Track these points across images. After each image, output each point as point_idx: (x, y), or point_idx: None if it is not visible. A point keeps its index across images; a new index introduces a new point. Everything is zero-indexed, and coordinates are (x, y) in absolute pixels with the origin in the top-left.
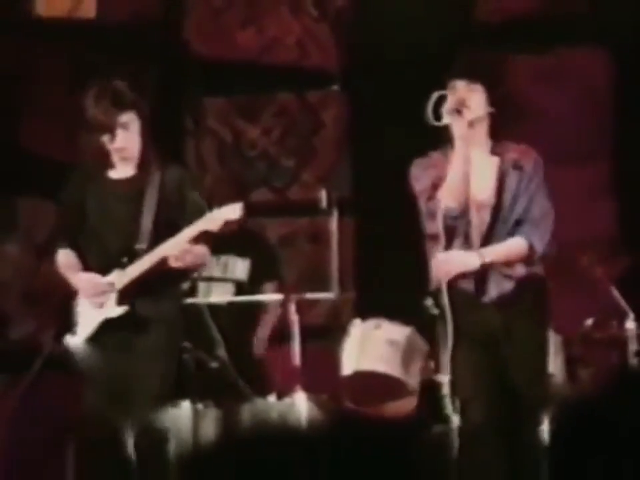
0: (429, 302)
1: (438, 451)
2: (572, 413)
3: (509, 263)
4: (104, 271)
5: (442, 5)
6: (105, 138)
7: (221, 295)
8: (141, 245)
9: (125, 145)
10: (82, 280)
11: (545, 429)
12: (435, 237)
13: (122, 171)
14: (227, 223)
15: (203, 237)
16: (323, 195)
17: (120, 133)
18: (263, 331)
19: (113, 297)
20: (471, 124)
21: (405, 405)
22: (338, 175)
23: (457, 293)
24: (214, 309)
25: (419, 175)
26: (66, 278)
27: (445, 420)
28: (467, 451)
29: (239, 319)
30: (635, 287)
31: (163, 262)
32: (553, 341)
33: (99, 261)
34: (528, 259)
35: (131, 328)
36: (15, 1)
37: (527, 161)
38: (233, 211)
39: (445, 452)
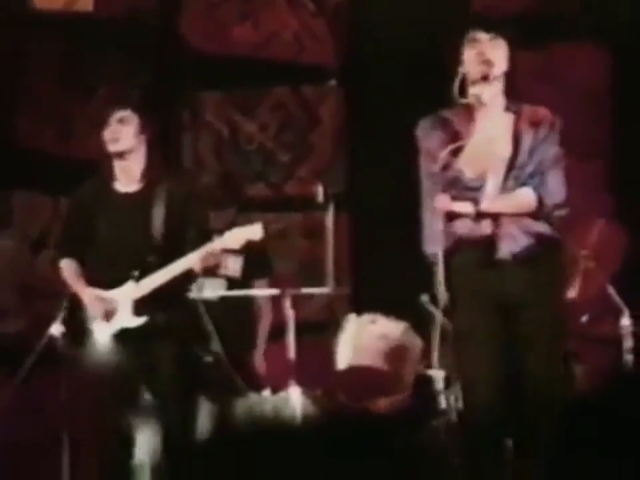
0: (425, 298)
1: (431, 445)
2: (567, 410)
3: (515, 214)
4: (114, 282)
5: (438, 1)
6: (104, 135)
7: (214, 290)
8: (152, 258)
9: (117, 136)
10: (89, 296)
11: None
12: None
13: (126, 183)
14: (248, 242)
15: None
16: (319, 190)
17: (114, 126)
18: (261, 341)
19: (129, 307)
20: (496, 79)
21: (399, 400)
22: (334, 170)
23: (465, 255)
24: (207, 304)
25: (428, 137)
26: (72, 287)
27: (439, 415)
28: (469, 441)
29: (233, 313)
30: (630, 284)
31: (183, 274)
32: None
33: (110, 273)
34: (537, 212)
35: (146, 336)
36: None
37: (543, 119)
38: (254, 232)
39: (439, 447)
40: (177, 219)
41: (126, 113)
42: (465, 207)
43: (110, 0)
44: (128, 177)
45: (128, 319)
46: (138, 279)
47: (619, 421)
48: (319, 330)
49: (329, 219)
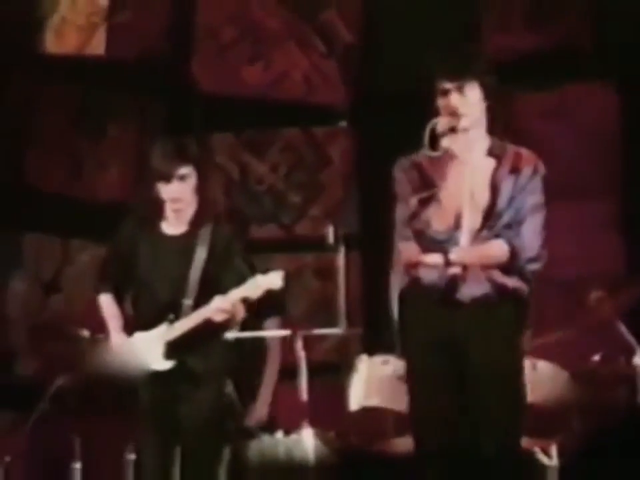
0: None
1: None
2: (582, 450)
3: (485, 266)
4: (152, 322)
5: (449, 42)
6: (161, 187)
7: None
8: (187, 300)
9: (179, 196)
10: (116, 339)
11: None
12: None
13: (175, 226)
14: (267, 291)
15: (244, 300)
16: (330, 230)
17: (176, 184)
18: (264, 397)
19: (161, 350)
20: (466, 130)
21: (412, 442)
22: (345, 210)
23: (422, 293)
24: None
25: (401, 180)
26: (106, 323)
27: None
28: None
29: (245, 355)
30: None
31: (208, 320)
32: (562, 377)
33: (148, 313)
34: (508, 264)
35: (180, 380)
36: (24, 37)
37: (525, 165)
38: (274, 281)
39: None
40: (218, 262)
41: (187, 170)
42: (434, 259)
43: (121, 42)
44: (178, 221)
45: (158, 362)
46: (172, 321)
47: (634, 460)
48: (331, 371)
49: (341, 259)
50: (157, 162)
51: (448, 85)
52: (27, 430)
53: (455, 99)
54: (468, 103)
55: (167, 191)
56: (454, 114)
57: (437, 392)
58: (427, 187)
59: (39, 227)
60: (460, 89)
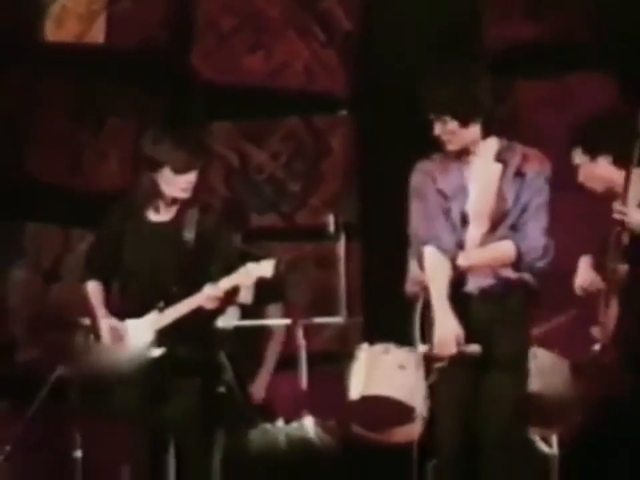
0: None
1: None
2: (582, 439)
3: (492, 267)
4: (141, 309)
5: (449, 31)
6: (173, 176)
7: (226, 319)
8: (176, 288)
9: (190, 186)
10: (106, 324)
11: (534, 442)
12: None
13: (161, 213)
14: (260, 279)
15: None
16: (331, 219)
17: (192, 174)
18: (263, 377)
19: (152, 337)
20: (458, 151)
21: (412, 431)
22: (345, 199)
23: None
24: (220, 332)
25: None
26: (93, 311)
27: None
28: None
29: (246, 343)
30: None
31: (199, 308)
32: (562, 366)
33: (137, 301)
34: (514, 265)
35: (170, 369)
36: (23, 25)
37: (530, 167)
38: (266, 268)
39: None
40: (206, 250)
41: (200, 165)
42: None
43: (121, 31)
44: (167, 209)
45: (149, 350)
46: (162, 309)
47: (635, 448)
48: (332, 360)
49: (341, 248)
50: (173, 152)
51: (430, 116)
52: (27, 419)
53: (437, 127)
54: (447, 131)
55: (179, 180)
56: (444, 132)
57: (452, 389)
58: (438, 193)
59: (39, 216)
60: (439, 119)
